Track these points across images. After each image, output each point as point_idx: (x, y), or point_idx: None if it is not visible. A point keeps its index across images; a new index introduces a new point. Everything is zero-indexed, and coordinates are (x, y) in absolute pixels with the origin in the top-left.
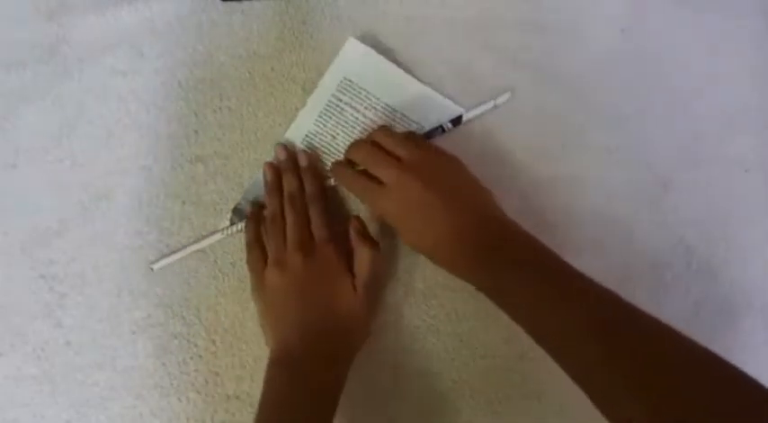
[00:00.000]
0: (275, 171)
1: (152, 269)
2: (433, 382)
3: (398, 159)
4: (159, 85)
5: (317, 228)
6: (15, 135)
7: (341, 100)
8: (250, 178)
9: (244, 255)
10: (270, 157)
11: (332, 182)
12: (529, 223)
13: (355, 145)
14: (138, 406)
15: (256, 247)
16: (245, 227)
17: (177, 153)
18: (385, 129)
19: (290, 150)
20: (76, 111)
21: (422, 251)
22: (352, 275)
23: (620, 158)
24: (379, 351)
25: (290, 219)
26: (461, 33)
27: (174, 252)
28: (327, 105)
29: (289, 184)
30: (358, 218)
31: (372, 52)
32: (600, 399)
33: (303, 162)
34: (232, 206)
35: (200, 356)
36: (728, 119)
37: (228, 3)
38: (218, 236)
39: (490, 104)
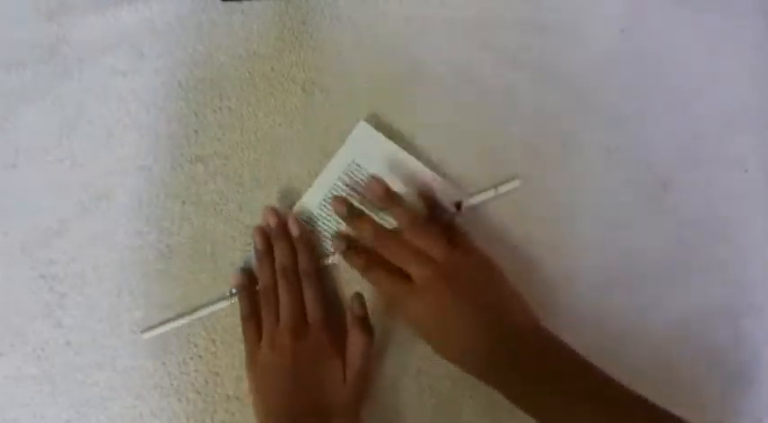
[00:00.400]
0: (265, 237)
1: (142, 336)
2: (433, 382)
3: (434, 260)
4: (159, 85)
5: (312, 308)
6: (15, 135)
7: (347, 185)
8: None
9: (244, 254)
10: (270, 158)
11: (330, 261)
12: (529, 223)
13: (385, 236)
14: (138, 406)
15: (251, 320)
16: (239, 300)
17: (177, 153)
18: (422, 225)
19: (280, 215)
20: (76, 111)
21: (449, 359)
22: (344, 362)
23: (620, 158)
24: (379, 350)
25: (283, 296)
26: (461, 33)
27: (168, 321)
28: (333, 189)
29: (281, 255)
30: (359, 297)
31: (381, 137)
32: None
33: (295, 232)
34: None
35: (200, 356)
36: (728, 119)
37: (228, 3)
38: (222, 304)
39: (491, 193)
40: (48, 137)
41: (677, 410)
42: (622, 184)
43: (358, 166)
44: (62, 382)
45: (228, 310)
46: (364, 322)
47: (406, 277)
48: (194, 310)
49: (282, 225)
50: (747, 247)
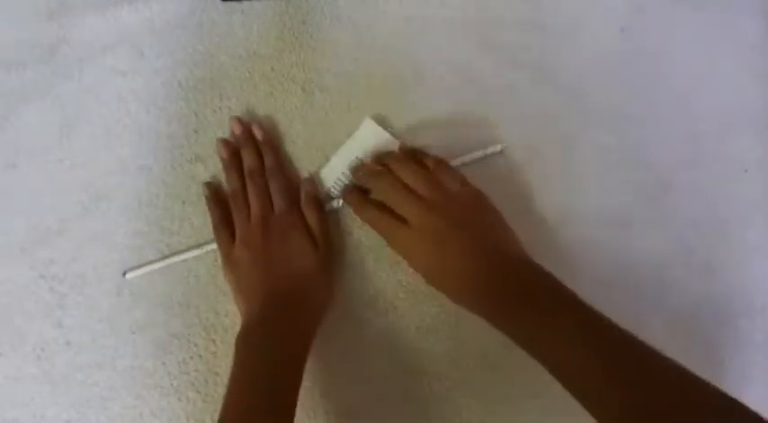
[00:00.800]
0: (230, 148)
1: (125, 276)
2: (433, 382)
3: (423, 198)
4: (159, 85)
5: (277, 199)
6: (15, 135)
7: (350, 179)
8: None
9: None
10: None
11: (335, 205)
12: (529, 223)
13: (377, 176)
14: (138, 406)
15: (223, 227)
16: (209, 209)
17: (177, 153)
18: (406, 159)
19: (245, 124)
20: (76, 111)
21: (443, 291)
22: (308, 233)
23: (620, 158)
24: (379, 351)
25: (252, 196)
26: (461, 33)
27: (151, 262)
28: (335, 185)
29: (249, 158)
30: (310, 182)
31: (386, 134)
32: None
33: (259, 135)
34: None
35: (200, 356)
36: (728, 119)
37: (228, 3)
38: (196, 252)
39: (479, 153)
40: (48, 137)
41: None
42: (622, 184)
43: (362, 163)
44: (62, 382)
45: (228, 311)
46: (315, 198)
47: (400, 219)
48: (177, 252)
49: (248, 132)
50: (747, 248)
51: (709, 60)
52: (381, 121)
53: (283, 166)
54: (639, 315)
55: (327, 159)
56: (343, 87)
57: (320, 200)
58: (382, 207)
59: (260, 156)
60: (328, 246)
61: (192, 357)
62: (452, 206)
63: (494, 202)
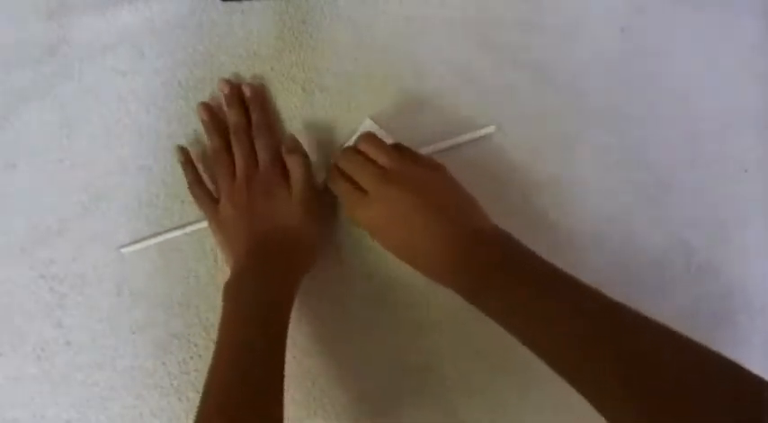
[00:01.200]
0: (209, 110)
1: (122, 252)
2: (433, 382)
3: (382, 168)
4: (159, 85)
5: (262, 154)
6: (15, 135)
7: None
8: None
9: None
10: None
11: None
12: (529, 222)
13: (344, 151)
14: (138, 406)
15: (199, 186)
16: (184, 171)
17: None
18: (371, 135)
19: (234, 84)
20: (76, 111)
21: (402, 259)
22: (290, 185)
23: (620, 158)
24: (380, 349)
25: (237, 153)
26: (461, 33)
27: (146, 238)
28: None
29: (234, 117)
30: (292, 137)
31: (384, 134)
32: (595, 401)
33: (248, 92)
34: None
35: (200, 356)
36: (728, 119)
37: (228, 3)
38: (191, 227)
39: (472, 135)
40: (48, 137)
41: None
42: (622, 184)
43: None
44: (62, 382)
45: None
46: (297, 149)
47: (361, 189)
48: (171, 229)
49: (236, 91)
50: (747, 247)
51: (709, 60)
52: (381, 121)
53: (271, 122)
54: None
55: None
56: (343, 87)
57: (303, 150)
58: (347, 179)
59: (246, 114)
60: (311, 196)
61: (191, 357)
62: (412, 177)
63: (493, 202)
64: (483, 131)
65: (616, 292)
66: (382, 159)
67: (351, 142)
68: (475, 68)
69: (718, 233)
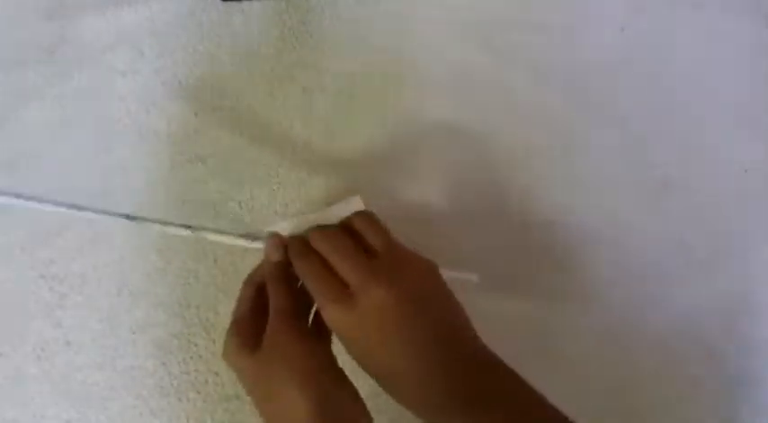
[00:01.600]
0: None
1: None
2: None
3: (373, 259)
4: (159, 84)
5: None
6: (15, 135)
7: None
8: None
9: (244, 254)
10: (270, 158)
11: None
12: (528, 223)
13: (327, 231)
14: (138, 406)
15: (250, 324)
16: (243, 292)
17: (177, 153)
18: (370, 216)
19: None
20: (76, 111)
21: (382, 386)
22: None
23: (621, 158)
24: None
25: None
26: (461, 33)
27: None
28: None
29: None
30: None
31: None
32: None
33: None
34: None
35: (200, 356)
36: (728, 119)
37: (228, 3)
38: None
39: (454, 274)
40: (48, 137)
41: (677, 410)
42: (622, 183)
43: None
44: (62, 382)
45: (229, 311)
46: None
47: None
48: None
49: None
50: (747, 247)
51: (710, 60)
52: (377, 124)
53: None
54: (639, 315)
55: (302, 212)
56: (343, 87)
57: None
58: (321, 261)
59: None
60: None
61: (192, 357)
62: (405, 275)
63: (492, 202)
64: (464, 276)
65: (616, 292)
66: (378, 244)
67: (331, 218)
68: (474, 68)
69: (718, 233)
